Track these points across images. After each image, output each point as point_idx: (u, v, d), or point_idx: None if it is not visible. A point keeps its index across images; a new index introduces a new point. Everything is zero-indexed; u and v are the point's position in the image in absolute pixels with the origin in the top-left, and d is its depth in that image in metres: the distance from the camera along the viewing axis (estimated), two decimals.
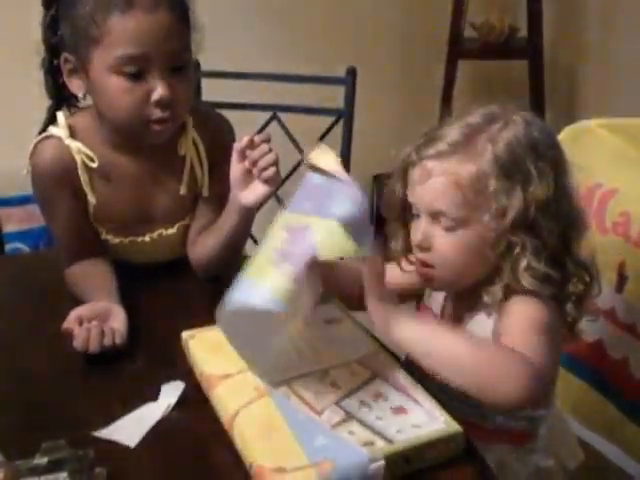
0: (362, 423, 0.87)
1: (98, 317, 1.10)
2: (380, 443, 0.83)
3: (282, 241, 0.92)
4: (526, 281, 0.97)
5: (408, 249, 1.09)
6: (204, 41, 1.23)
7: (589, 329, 1.33)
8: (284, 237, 0.92)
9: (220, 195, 1.28)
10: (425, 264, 1.04)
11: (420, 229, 1.03)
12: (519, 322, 0.97)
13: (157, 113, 1.16)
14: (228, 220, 1.22)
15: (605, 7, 2.52)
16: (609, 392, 1.48)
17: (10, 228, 2.12)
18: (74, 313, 1.10)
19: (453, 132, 1.00)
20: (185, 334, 1.06)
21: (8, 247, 2.03)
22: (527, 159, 0.98)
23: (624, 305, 1.40)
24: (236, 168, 1.16)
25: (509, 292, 0.99)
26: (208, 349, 1.02)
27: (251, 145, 1.14)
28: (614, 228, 1.39)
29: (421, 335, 0.91)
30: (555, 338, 0.96)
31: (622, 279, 1.38)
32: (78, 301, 1.18)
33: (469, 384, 0.88)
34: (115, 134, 1.23)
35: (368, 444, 0.83)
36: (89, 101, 1.24)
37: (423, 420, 0.87)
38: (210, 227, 1.29)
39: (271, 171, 1.14)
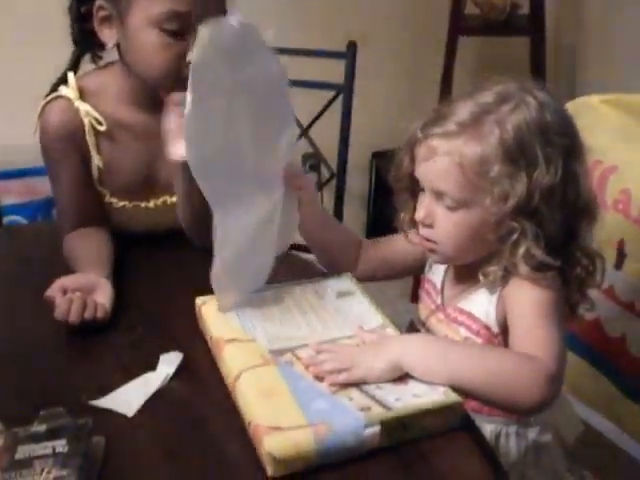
0: (362, 391, 0.88)
1: (82, 289, 1.08)
2: (377, 409, 0.84)
3: None
4: (522, 268, 0.96)
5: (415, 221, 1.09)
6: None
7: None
8: None
9: None
10: (427, 239, 1.05)
11: (423, 205, 1.03)
12: (526, 312, 0.97)
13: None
14: (175, 181, 1.21)
15: None
16: (607, 369, 1.48)
17: (8, 201, 2.12)
18: (58, 282, 1.09)
19: (462, 111, 0.99)
20: (199, 300, 1.08)
21: (6, 220, 2.02)
22: (535, 144, 0.96)
23: (623, 283, 1.40)
24: (172, 119, 1.09)
25: (509, 274, 0.99)
26: (219, 315, 1.04)
27: None
28: (614, 205, 1.38)
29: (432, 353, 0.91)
30: (560, 317, 0.96)
31: (621, 257, 1.38)
32: (72, 271, 1.18)
33: (490, 398, 0.91)
34: (134, 90, 1.22)
35: (365, 409, 0.84)
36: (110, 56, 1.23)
37: (423, 390, 0.88)
38: None
39: None
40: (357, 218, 2.83)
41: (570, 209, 0.99)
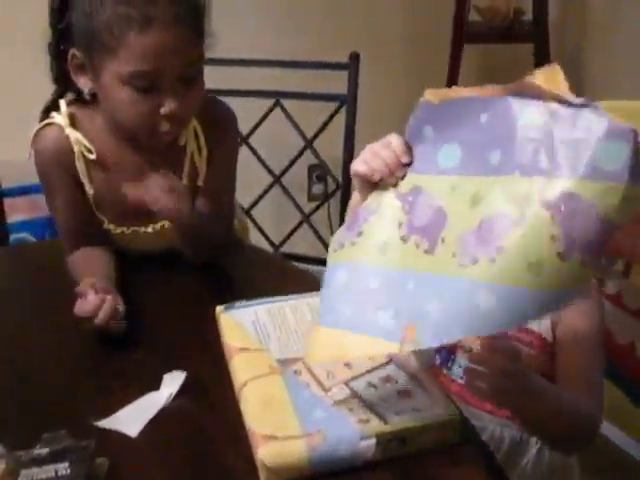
0: (364, 403, 0.88)
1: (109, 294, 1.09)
2: (375, 422, 0.84)
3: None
4: None
5: None
6: (215, 45, 1.20)
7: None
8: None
9: (219, 184, 1.30)
10: None
11: None
12: (588, 335, 1.01)
13: (165, 126, 1.15)
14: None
15: None
16: (615, 376, 1.47)
17: (15, 218, 2.12)
18: (90, 280, 1.10)
19: None
20: (219, 308, 1.09)
21: (13, 237, 2.02)
22: None
23: (631, 290, 1.39)
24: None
25: None
26: (236, 323, 1.05)
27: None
28: None
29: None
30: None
31: (629, 264, 1.37)
32: None
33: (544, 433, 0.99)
34: (118, 131, 1.22)
35: (363, 422, 0.84)
36: None
37: (424, 404, 0.87)
38: None
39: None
40: None
41: None
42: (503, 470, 0.94)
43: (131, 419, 0.91)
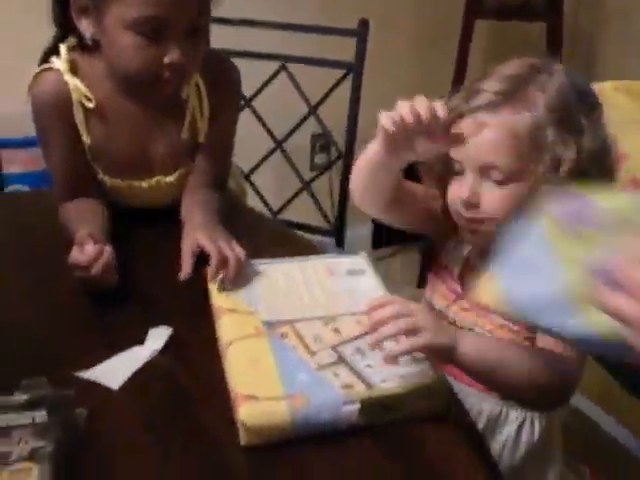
0: (350, 368, 0.87)
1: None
2: (360, 387, 0.84)
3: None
4: None
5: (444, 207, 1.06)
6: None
7: None
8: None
9: (220, 143, 1.29)
10: (474, 220, 1.01)
11: (467, 184, 0.99)
12: None
13: (167, 74, 1.13)
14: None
15: None
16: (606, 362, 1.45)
17: (13, 169, 2.10)
18: (87, 230, 1.08)
19: (498, 83, 0.96)
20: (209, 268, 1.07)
21: (10, 189, 2.01)
22: (577, 107, 0.96)
23: None
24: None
25: None
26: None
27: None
28: None
29: (485, 350, 0.90)
30: None
31: None
32: (70, 239, 1.16)
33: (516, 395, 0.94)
34: (119, 78, 1.20)
35: (348, 387, 0.84)
36: None
37: (411, 372, 0.86)
38: (193, 186, 1.30)
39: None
40: None
41: (610, 176, 0.99)
42: (484, 441, 0.93)
43: (113, 372, 0.90)
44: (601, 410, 1.53)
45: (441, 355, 0.87)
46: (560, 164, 0.94)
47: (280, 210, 2.07)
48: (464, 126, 0.98)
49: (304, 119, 1.98)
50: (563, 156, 0.93)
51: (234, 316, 0.98)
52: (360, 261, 1.12)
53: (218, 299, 1.02)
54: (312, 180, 2.03)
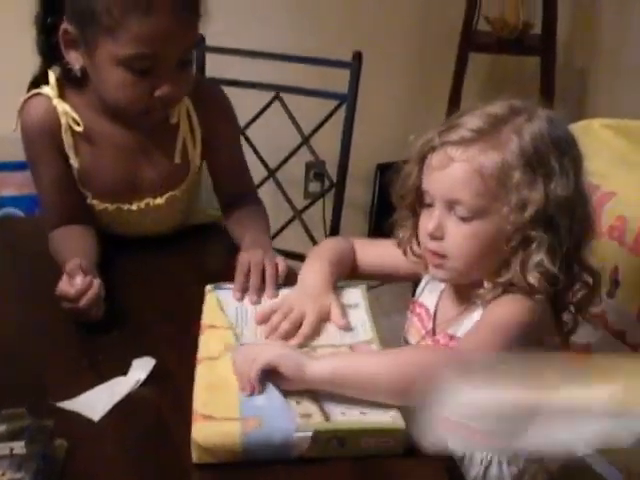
0: (315, 398, 0.87)
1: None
2: (317, 418, 0.84)
3: None
4: (533, 278, 0.95)
5: (415, 238, 1.07)
6: (208, 20, 1.19)
7: (579, 332, 1.31)
8: None
9: (232, 159, 1.36)
10: (436, 253, 1.02)
11: (434, 217, 1.00)
12: (489, 320, 0.96)
13: (158, 106, 1.15)
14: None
15: (621, 9, 2.48)
16: None
17: (6, 192, 2.11)
18: (77, 261, 1.08)
19: (477, 120, 0.98)
20: (208, 286, 1.10)
21: (2, 211, 2.02)
22: (551, 154, 0.96)
23: (615, 311, 1.37)
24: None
25: (506, 289, 0.97)
26: (216, 303, 1.06)
27: None
28: (609, 232, 1.36)
29: (342, 366, 0.89)
30: (524, 343, 0.94)
31: (615, 284, 1.36)
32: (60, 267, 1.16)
33: (390, 398, 0.88)
34: (108, 108, 1.21)
35: (305, 416, 0.84)
36: None
37: (373, 409, 0.86)
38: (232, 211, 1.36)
39: None
40: (358, 229, 2.81)
41: (579, 223, 0.98)
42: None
43: (95, 402, 0.90)
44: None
45: (288, 374, 0.87)
46: (526, 206, 0.94)
47: (273, 238, 2.07)
48: (435, 159, 0.99)
49: (297, 149, 1.99)
50: (529, 198, 0.94)
51: (212, 332, 1.00)
52: (357, 294, 1.11)
53: (205, 315, 1.04)
54: (304, 209, 2.04)
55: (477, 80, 2.64)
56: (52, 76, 1.22)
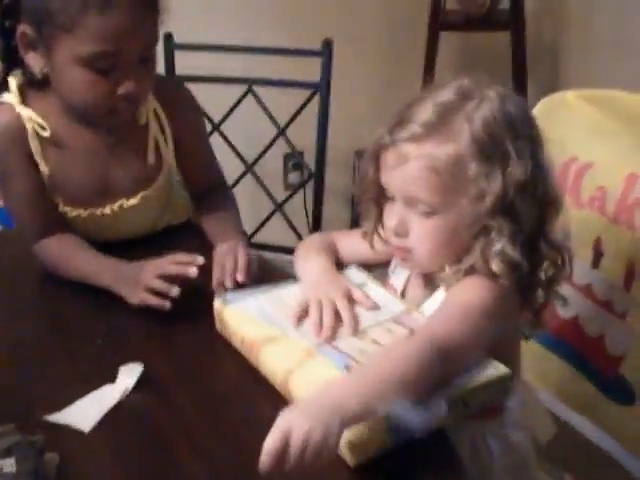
0: None
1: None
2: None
3: None
4: (496, 265, 0.94)
5: (379, 229, 1.06)
6: (170, 11, 1.18)
7: (566, 306, 1.31)
8: None
9: (199, 147, 1.36)
10: (400, 249, 1.01)
11: (395, 214, 0.99)
12: (455, 302, 0.95)
13: (122, 105, 1.14)
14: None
15: None
16: (587, 370, 1.46)
17: None
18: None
19: (426, 112, 0.95)
20: (216, 302, 1.06)
21: None
22: (505, 138, 0.94)
23: (600, 282, 1.37)
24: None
25: (470, 271, 0.97)
26: (242, 316, 1.02)
27: None
28: (590, 203, 1.35)
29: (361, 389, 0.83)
30: (490, 325, 0.94)
31: (598, 255, 1.36)
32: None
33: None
34: (72, 110, 1.20)
35: None
36: None
37: (473, 369, 0.89)
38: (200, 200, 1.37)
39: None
40: (340, 217, 2.81)
41: (541, 202, 0.97)
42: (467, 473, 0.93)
43: (84, 413, 0.89)
44: (584, 418, 1.53)
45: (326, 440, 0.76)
46: (484, 197, 0.93)
47: (254, 233, 2.06)
48: (389, 157, 0.97)
49: (273, 141, 1.98)
50: (487, 189, 0.93)
51: (275, 345, 0.96)
52: (357, 273, 1.10)
53: (247, 331, 1.00)
54: (285, 201, 2.03)
55: (448, 60, 2.63)
56: (13, 82, 1.19)
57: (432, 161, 0.94)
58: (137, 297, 1.09)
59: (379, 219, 1.05)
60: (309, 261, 1.11)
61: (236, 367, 1.00)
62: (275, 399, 0.90)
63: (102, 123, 1.20)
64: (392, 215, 1.00)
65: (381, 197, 1.03)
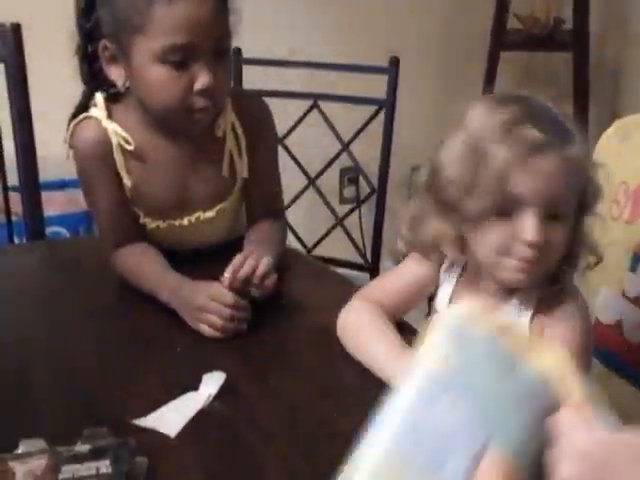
0: None
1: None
2: None
3: None
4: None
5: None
6: (240, 24, 1.20)
7: (609, 311, 1.31)
8: None
9: (266, 172, 1.35)
10: (529, 260, 0.95)
11: (535, 226, 0.93)
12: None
13: (200, 102, 1.16)
14: None
15: None
16: (630, 376, 1.43)
17: (51, 212, 2.14)
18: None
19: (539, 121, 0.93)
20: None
21: (48, 230, 2.03)
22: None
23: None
24: None
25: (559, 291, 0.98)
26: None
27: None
28: None
29: None
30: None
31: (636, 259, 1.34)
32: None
33: None
34: (154, 119, 1.23)
35: None
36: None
37: None
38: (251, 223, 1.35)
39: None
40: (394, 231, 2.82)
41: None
42: None
43: (170, 418, 0.91)
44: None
45: None
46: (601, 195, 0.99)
47: (314, 246, 2.08)
48: (540, 164, 0.92)
49: (337, 156, 2.00)
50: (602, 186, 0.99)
51: None
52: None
53: None
54: (345, 216, 2.05)
55: (509, 79, 2.63)
56: (100, 98, 1.23)
57: (572, 163, 0.94)
58: (193, 324, 1.11)
59: (462, 241, 1.00)
60: (374, 342, 1.03)
61: (313, 378, 1.01)
62: (353, 411, 0.90)
63: (182, 127, 1.22)
64: (529, 227, 0.93)
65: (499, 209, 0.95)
